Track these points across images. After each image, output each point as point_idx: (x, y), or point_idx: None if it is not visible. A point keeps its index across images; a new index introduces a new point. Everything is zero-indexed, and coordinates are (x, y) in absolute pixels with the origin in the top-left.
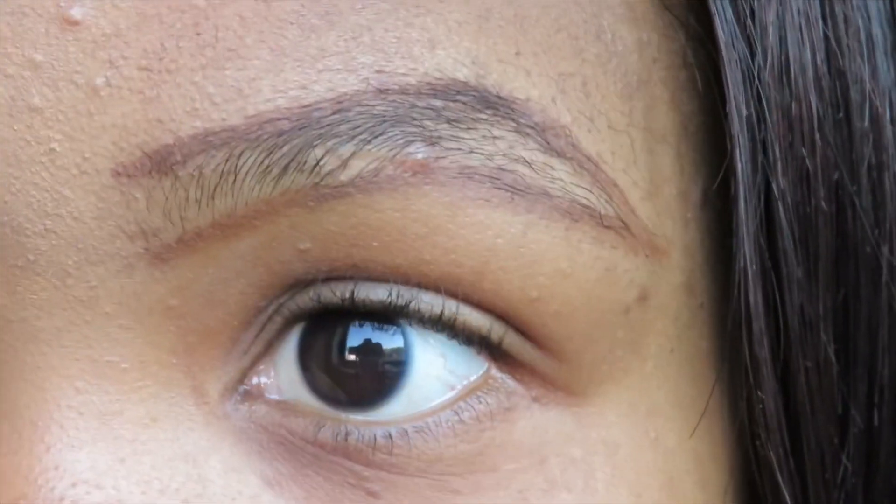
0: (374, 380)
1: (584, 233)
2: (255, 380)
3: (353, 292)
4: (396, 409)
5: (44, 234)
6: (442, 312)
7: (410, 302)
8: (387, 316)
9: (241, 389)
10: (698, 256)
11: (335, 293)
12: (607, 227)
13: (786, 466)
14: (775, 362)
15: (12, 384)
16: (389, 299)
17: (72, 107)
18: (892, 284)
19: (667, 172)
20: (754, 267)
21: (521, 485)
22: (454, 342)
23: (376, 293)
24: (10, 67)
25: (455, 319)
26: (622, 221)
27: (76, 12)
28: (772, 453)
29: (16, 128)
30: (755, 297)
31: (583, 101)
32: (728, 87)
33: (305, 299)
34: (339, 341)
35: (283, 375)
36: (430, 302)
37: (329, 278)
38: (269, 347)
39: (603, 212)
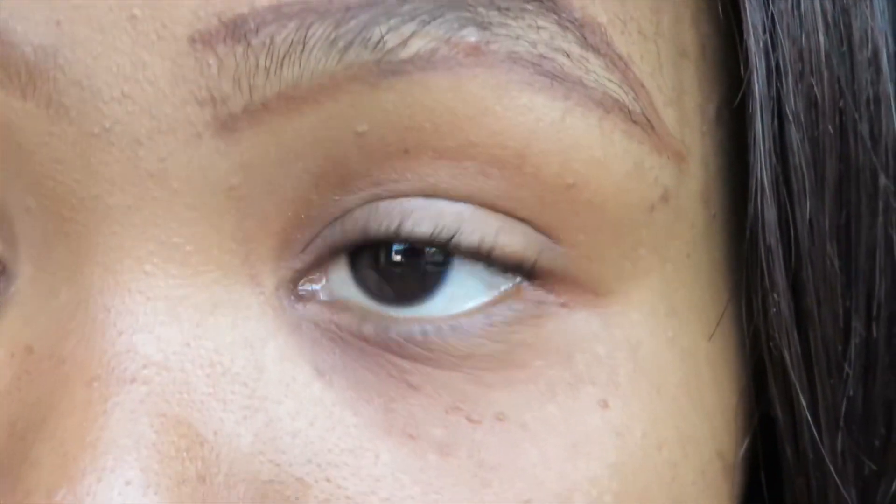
0: (417, 279)
1: (615, 124)
2: (308, 286)
3: (399, 226)
4: (434, 308)
5: (120, 100)
6: (480, 244)
7: (452, 237)
8: (430, 244)
9: (294, 290)
10: (712, 169)
11: (381, 226)
12: (635, 123)
13: (797, 366)
14: (787, 271)
15: (86, 267)
16: (432, 236)
17: None
18: (888, 209)
19: (686, 85)
20: (769, 181)
21: (549, 379)
22: (492, 269)
23: (421, 228)
24: None
25: (493, 251)
26: (648, 120)
27: None
28: (785, 353)
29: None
30: (770, 209)
31: (617, 5)
32: (747, 16)
33: (353, 229)
34: (385, 249)
35: (333, 277)
36: (470, 234)
37: (377, 198)
38: (321, 259)
39: (631, 108)
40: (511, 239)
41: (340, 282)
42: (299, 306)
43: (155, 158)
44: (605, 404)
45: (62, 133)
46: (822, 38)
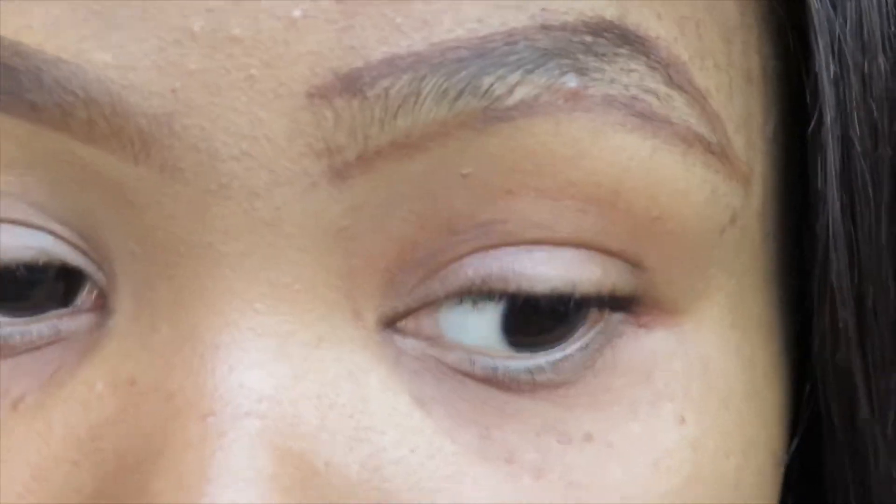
0: (534, 331)
1: (696, 157)
2: (409, 324)
3: (517, 289)
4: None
5: (238, 157)
6: (597, 291)
7: (571, 294)
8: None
9: (395, 326)
10: (769, 186)
11: (493, 285)
12: (712, 153)
13: (862, 376)
14: (852, 288)
15: (193, 309)
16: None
17: (270, 37)
18: None
19: (752, 109)
20: (837, 203)
21: (631, 399)
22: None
23: (538, 289)
24: (211, 2)
25: (600, 290)
26: (722, 149)
27: None
28: (854, 361)
29: (216, 57)
30: (838, 228)
31: (696, 42)
32: (817, 43)
33: (460, 282)
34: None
35: (437, 317)
36: (584, 283)
37: (484, 246)
38: (425, 302)
39: (709, 139)
40: (612, 275)
41: (445, 323)
42: (398, 339)
43: (271, 208)
44: (682, 420)
45: (176, 193)
46: (882, 62)
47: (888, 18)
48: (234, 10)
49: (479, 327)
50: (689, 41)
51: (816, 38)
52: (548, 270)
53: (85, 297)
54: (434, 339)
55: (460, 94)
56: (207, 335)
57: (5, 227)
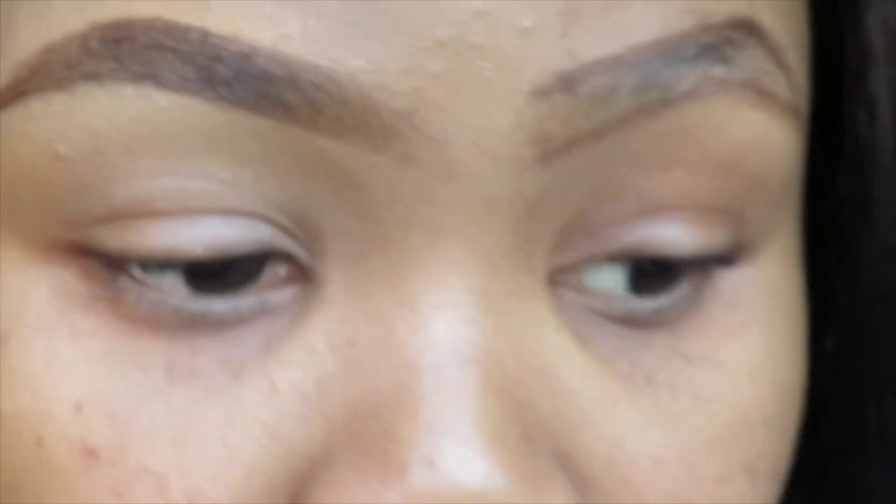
0: (663, 283)
1: (790, 123)
2: (570, 276)
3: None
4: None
5: (468, 147)
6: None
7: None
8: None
9: (558, 277)
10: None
11: (645, 247)
12: (796, 118)
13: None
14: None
15: (410, 275)
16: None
17: (504, 44)
18: None
19: (807, 75)
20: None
21: (728, 323)
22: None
23: (683, 252)
24: (455, 14)
25: (708, 250)
26: (800, 112)
27: None
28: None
29: (458, 62)
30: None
31: (786, 29)
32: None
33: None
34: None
35: (591, 271)
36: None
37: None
38: (583, 260)
39: (797, 108)
40: (725, 235)
41: (586, 275)
42: (557, 289)
43: (488, 188)
44: (765, 338)
45: (408, 177)
46: None
47: None
48: (475, 21)
49: (614, 279)
50: (784, 27)
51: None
52: (685, 241)
53: (285, 272)
54: (580, 289)
55: (646, 87)
56: (425, 297)
57: (231, 218)
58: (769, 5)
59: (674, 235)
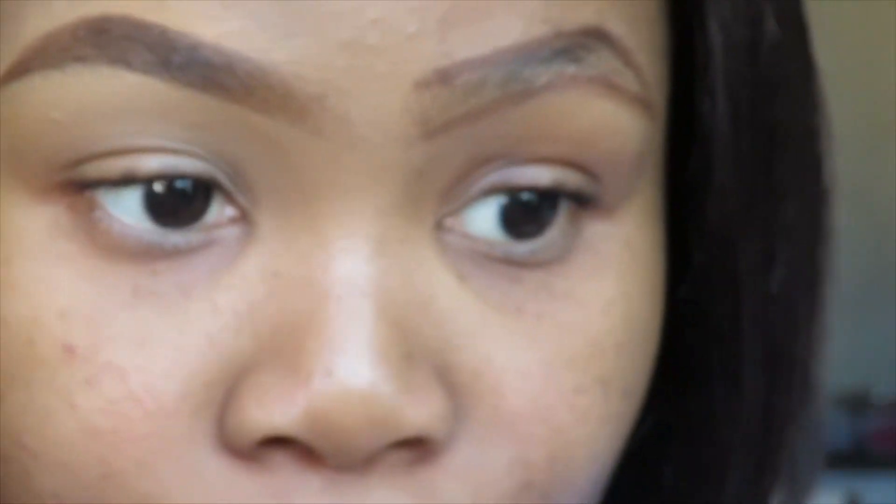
0: (534, 221)
1: (638, 110)
2: (453, 222)
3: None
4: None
5: (368, 124)
6: (576, 189)
7: (562, 185)
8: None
9: (444, 225)
10: (663, 118)
11: (512, 179)
12: (645, 106)
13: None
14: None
15: (324, 224)
16: (550, 185)
17: (395, 45)
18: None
19: (661, 71)
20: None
21: (589, 266)
22: (567, 201)
23: (542, 182)
24: (356, 21)
25: (574, 191)
26: (650, 102)
27: None
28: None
29: (357, 59)
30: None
31: (637, 33)
32: (712, 20)
33: (489, 186)
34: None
35: (473, 216)
36: (567, 183)
37: (510, 163)
38: (465, 205)
39: (644, 98)
40: (581, 183)
41: (478, 221)
42: (444, 234)
43: (383, 157)
44: (619, 278)
45: (320, 147)
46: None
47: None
48: (370, 27)
49: (488, 216)
50: (634, 34)
51: (711, 15)
52: (544, 175)
53: (229, 212)
54: (465, 234)
55: (509, 81)
56: (335, 241)
57: (182, 158)
58: (619, 15)
59: (534, 172)
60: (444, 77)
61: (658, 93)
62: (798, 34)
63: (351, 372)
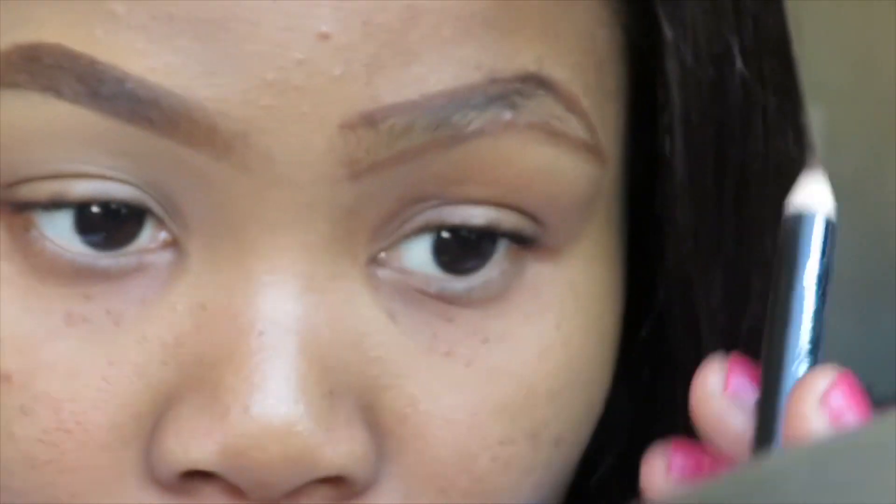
0: (472, 257)
1: (580, 155)
2: (385, 254)
3: (462, 221)
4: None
5: (290, 163)
6: (513, 229)
7: (498, 224)
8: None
9: (377, 260)
10: (619, 162)
11: (449, 222)
12: (590, 151)
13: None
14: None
15: (250, 258)
16: (485, 225)
17: (318, 86)
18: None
19: (615, 113)
20: (683, 172)
21: (527, 310)
22: (505, 241)
23: (477, 222)
24: (280, 62)
25: (511, 231)
26: (596, 146)
27: (326, 29)
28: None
29: (281, 99)
30: (686, 186)
31: (582, 78)
32: (671, 63)
33: (425, 224)
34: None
35: (408, 252)
36: (503, 223)
37: (444, 203)
38: (399, 241)
39: (589, 143)
40: (519, 224)
41: (413, 256)
42: (379, 270)
43: (308, 196)
44: (558, 325)
45: (245, 182)
46: (710, 71)
47: (712, 42)
48: (295, 68)
49: (423, 251)
50: (578, 79)
51: (666, 67)
52: (477, 214)
53: (161, 237)
54: (401, 269)
55: (438, 126)
56: (260, 276)
57: (112, 183)
58: (562, 61)
59: (468, 212)
60: (369, 120)
61: (609, 136)
62: (778, 65)
63: (267, 409)
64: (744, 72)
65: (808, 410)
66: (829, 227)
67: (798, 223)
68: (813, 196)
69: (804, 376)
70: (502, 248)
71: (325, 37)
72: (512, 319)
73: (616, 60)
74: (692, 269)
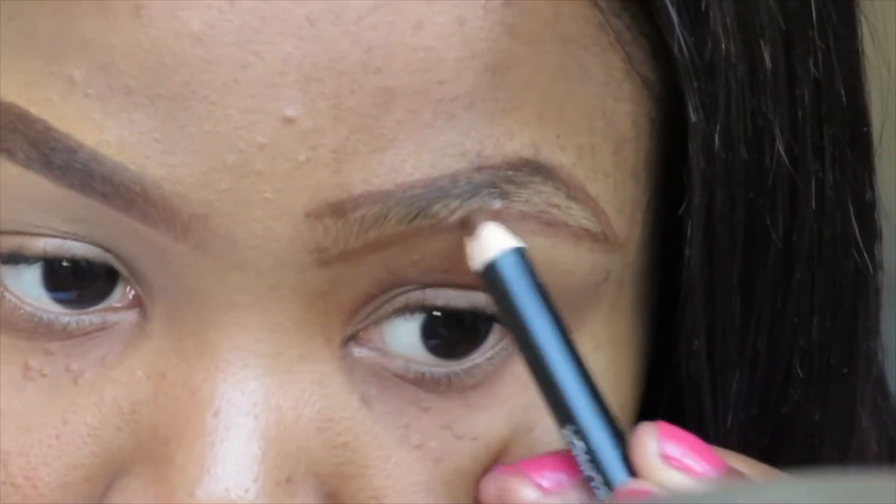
0: (461, 341)
1: (582, 245)
2: (364, 336)
3: (444, 302)
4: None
5: (254, 248)
6: (486, 308)
7: (483, 308)
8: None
9: (358, 337)
10: (643, 243)
11: (430, 300)
12: (596, 240)
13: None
14: (706, 318)
15: (212, 334)
16: (467, 308)
17: (282, 172)
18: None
19: (635, 195)
20: (700, 258)
21: (511, 405)
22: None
23: (459, 304)
24: (241, 144)
25: (487, 308)
26: (605, 235)
27: (291, 112)
28: (703, 377)
29: (242, 183)
30: (699, 275)
31: (590, 161)
32: (693, 146)
33: (413, 298)
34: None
35: (391, 330)
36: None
37: (427, 285)
38: (382, 320)
39: (594, 230)
40: None
41: (399, 337)
42: (356, 350)
43: (273, 279)
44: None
45: (206, 264)
46: (743, 154)
47: (746, 122)
48: (257, 152)
49: (410, 335)
50: (585, 163)
51: (693, 141)
52: (459, 299)
53: (126, 296)
54: (380, 350)
55: (416, 216)
56: (222, 353)
57: (75, 242)
58: (564, 144)
59: (451, 295)
60: (338, 210)
61: (627, 216)
62: (844, 135)
63: (213, 495)
64: (783, 158)
65: (653, 464)
66: (521, 253)
67: (493, 271)
68: (488, 240)
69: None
70: (496, 332)
71: (289, 120)
72: (495, 415)
73: (643, 136)
74: (697, 370)
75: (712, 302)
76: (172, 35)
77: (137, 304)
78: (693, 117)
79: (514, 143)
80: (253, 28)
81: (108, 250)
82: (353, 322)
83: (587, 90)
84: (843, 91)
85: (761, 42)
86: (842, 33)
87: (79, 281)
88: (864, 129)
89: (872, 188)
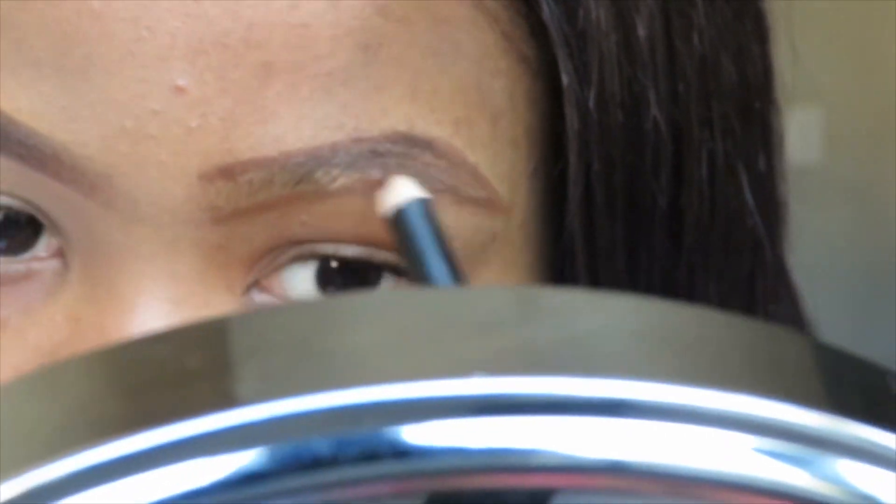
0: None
1: (465, 209)
2: (265, 283)
3: (334, 251)
4: None
5: (153, 205)
6: (371, 257)
7: (363, 254)
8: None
9: (260, 284)
10: (529, 205)
11: (318, 250)
12: (478, 205)
13: None
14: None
15: (122, 282)
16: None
17: (176, 137)
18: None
19: (516, 162)
20: (580, 220)
21: None
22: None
23: (349, 252)
24: (137, 111)
25: (372, 258)
26: (487, 199)
27: (181, 82)
28: None
29: (140, 146)
30: (580, 235)
31: (468, 133)
32: (569, 109)
33: (303, 250)
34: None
35: (289, 278)
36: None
37: (318, 241)
38: (280, 268)
39: (477, 196)
40: (396, 259)
41: (296, 283)
42: (257, 296)
43: (172, 234)
44: None
45: (112, 217)
46: (620, 117)
47: (623, 88)
48: (151, 118)
49: (305, 279)
50: (462, 134)
51: (569, 108)
52: (348, 251)
53: (50, 246)
54: (280, 296)
55: (299, 182)
56: (129, 298)
57: (7, 197)
58: (440, 118)
59: (340, 247)
60: (227, 173)
61: (512, 183)
62: (733, 110)
63: None
64: (670, 120)
65: None
66: (427, 203)
67: (402, 216)
68: (399, 189)
69: None
70: (388, 281)
71: (180, 90)
72: None
73: (521, 108)
74: None
75: (594, 263)
76: (75, 12)
77: (59, 254)
78: (565, 80)
79: (389, 118)
80: (144, 5)
81: (30, 203)
82: (252, 272)
83: (461, 67)
84: (732, 68)
85: (634, 15)
86: (731, 14)
87: (6, 230)
88: (757, 105)
89: (769, 158)
